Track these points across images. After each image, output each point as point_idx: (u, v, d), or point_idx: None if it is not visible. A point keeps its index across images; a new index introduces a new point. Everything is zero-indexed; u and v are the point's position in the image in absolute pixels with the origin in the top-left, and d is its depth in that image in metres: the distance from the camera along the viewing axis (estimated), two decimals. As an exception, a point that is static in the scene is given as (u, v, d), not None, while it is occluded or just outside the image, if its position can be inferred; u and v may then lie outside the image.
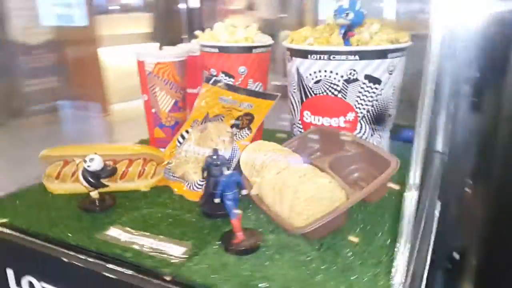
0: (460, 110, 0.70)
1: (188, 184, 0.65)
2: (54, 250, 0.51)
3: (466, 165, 0.78)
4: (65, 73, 3.12)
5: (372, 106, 0.65)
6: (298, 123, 0.71)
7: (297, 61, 0.67)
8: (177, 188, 0.65)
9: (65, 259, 0.49)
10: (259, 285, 0.42)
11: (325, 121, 0.67)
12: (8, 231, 0.55)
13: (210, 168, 0.54)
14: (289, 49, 0.69)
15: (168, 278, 0.44)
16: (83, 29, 2.94)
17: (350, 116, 0.66)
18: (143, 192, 0.64)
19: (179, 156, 0.70)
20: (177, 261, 0.47)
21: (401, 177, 0.62)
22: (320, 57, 0.63)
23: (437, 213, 0.61)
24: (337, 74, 0.63)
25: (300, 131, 0.71)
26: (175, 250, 0.48)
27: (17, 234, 0.54)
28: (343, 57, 0.62)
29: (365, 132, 0.67)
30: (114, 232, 0.52)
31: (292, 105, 0.72)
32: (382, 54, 0.62)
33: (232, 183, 0.48)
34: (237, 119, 0.70)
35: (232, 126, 0.70)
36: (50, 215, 0.57)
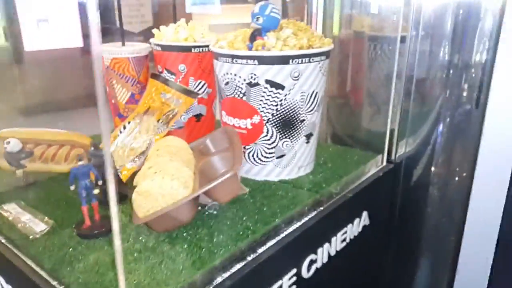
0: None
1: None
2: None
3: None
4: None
5: (277, 110, 0.65)
6: (221, 120, 0.73)
7: (214, 62, 0.69)
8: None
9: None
10: (67, 268, 0.48)
11: (236, 122, 0.69)
12: None
13: (93, 159, 0.60)
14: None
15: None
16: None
17: (256, 119, 0.66)
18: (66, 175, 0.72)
19: (114, 144, 0.77)
20: (33, 236, 0.54)
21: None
22: (225, 60, 0.65)
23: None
24: (240, 77, 0.65)
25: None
26: (39, 226, 0.55)
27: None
28: (244, 61, 0.63)
29: (272, 135, 0.67)
30: (10, 207, 0.61)
31: (218, 103, 0.74)
32: (282, 60, 0.62)
33: (83, 174, 0.53)
34: (164, 114, 0.75)
35: (158, 121, 0.75)
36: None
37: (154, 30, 0.85)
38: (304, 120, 0.67)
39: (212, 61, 0.71)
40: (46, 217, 0.58)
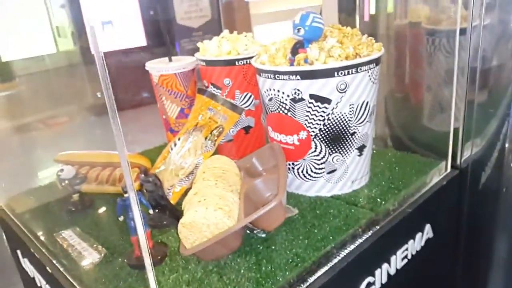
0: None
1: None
2: (31, 243, 0.66)
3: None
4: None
5: (324, 125, 0.62)
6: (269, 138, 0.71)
7: (257, 77, 0.67)
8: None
9: (31, 250, 0.63)
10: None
11: (282, 138, 0.66)
12: (18, 223, 0.72)
13: (145, 185, 0.61)
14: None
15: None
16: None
17: (303, 134, 0.64)
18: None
19: (167, 162, 0.78)
20: (86, 267, 0.56)
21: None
22: (267, 75, 0.63)
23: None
24: (283, 93, 0.62)
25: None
26: (92, 256, 0.57)
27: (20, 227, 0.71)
28: (286, 77, 0.60)
29: (321, 151, 0.64)
30: (66, 234, 0.64)
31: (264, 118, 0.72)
32: (326, 73, 0.59)
33: (128, 205, 0.53)
34: (211, 132, 0.75)
35: (206, 139, 0.74)
36: (41, 213, 0.72)
37: (199, 44, 0.84)
38: (355, 132, 0.63)
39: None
40: (100, 246, 0.59)
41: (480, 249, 0.83)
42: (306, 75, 0.59)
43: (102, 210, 0.71)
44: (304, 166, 0.66)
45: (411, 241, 0.66)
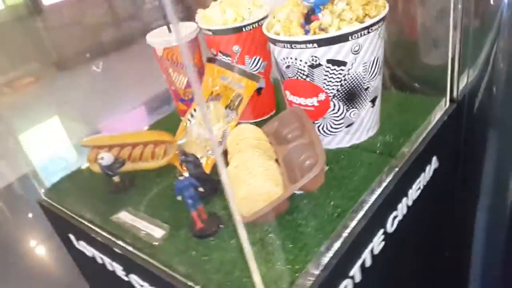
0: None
1: (191, 162, 0.79)
2: (88, 228, 0.72)
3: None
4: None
5: (341, 85, 0.68)
6: (285, 98, 0.77)
7: (271, 45, 0.71)
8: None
9: (93, 235, 0.70)
10: (198, 269, 0.57)
11: (302, 100, 0.72)
12: (65, 210, 0.78)
13: (185, 164, 0.67)
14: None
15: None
16: None
17: (321, 96, 0.69)
18: (158, 171, 0.80)
19: (189, 133, 0.83)
20: (156, 242, 0.63)
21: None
22: (284, 45, 0.67)
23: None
24: (301, 60, 0.66)
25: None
26: (157, 232, 0.64)
27: (69, 213, 0.76)
28: (303, 46, 0.64)
29: (339, 108, 0.70)
30: (123, 215, 0.70)
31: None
32: (341, 38, 0.63)
33: (186, 186, 0.60)
34: (231, 99, 0.79)
35: (226, 107, 0.79)
36: (87, 197, 0.78)
37: (199, 12, 0.85)
38: (368, 87, 0.70)
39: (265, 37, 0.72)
40: (160, 222, 0.66)
41: (475, 174, 0.94)
42: (323, 42, 0.63)
43: (145, 187, 0.76)
44: (324, 124, 0.73)
45: (422, 174, 0.75)
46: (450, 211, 0.97)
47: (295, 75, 0.69)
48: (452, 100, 0.84)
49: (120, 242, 0.66)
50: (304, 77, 0.68)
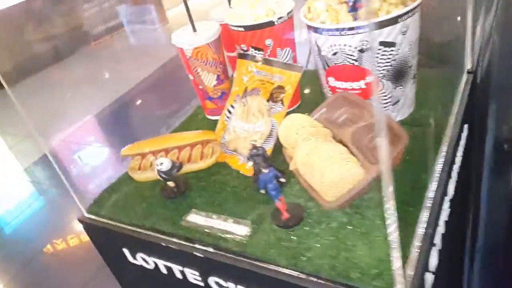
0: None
1: (241, 158, 0.79)
2: (153, 237, 0.70)
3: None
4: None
5: (391, 65, 0.71)
6: (326, 85, 0.79)
7: (314, 35, 0.73)
8: (232, 164, 0.80)
9: (163, 244, 0.68)
10: (302, 257, 0.58)
11: (348, 85, 0.74)
12: (118, 224, 0.75)
13: (254, 158, 0.67)
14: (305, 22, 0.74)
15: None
16: None
17: (370, 78, 0.72)
18: (207, 171, 0.79)
19: (230, 130, 0.83)
20: (243, 239, 0.63)
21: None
22: (332, 33, 0.69)
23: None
24: (350, 46, 0.69)
25: (330, 93, 0.79)
26: (240, 230, 0.64)
27: (124, 226, 0.74)
28: (354, 31, 0.67)
29: (387, 88, 0.74)
30: (193, 218, 0.69)
31: (318, 69, 0.79)
32: (392, 21, 0.66)
33: (270, 178, 0.61)
34: (272, 92, 0.80)
35: (268, 100, 0.80)
36: (142, 206, 0.76)
37: (230, 10, 0.85)
38: (411, 65, 0.74)
39: (307, 32, 0.74)
40: (239, 219, 0.66)
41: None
42: (374, 26, 0.66)
43: (201, 188, 0.76)
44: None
45: (460, 142, 0.80)
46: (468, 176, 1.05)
47: (343, 61, 0.71)
48: (469, 71, 0.90)
49: (198, 246, 0.66)
50: (353, 61, 0.71)
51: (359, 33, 0.67)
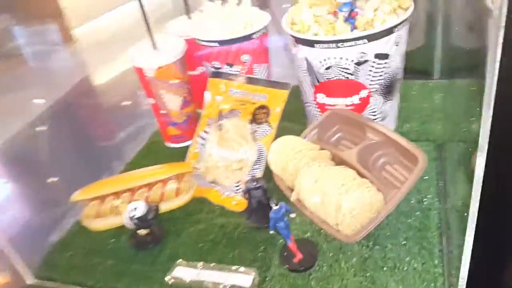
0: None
1: (223, 190, 0.69)
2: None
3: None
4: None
5: (383, 79, 0.66)
6: (312, 102, 0.72)
7: (304, 49, 0.65)
8: (214, 198, 0.69)
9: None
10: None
11: (340, 101, 0.68)
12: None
13: (251, 192, 0.57)
14: (293, 35, 0.66)
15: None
16: None
17: (364, 93, 0.67)
18: (184, 209, 0.67)
19: (206, 158, 0.72)
20: (251, 289, 0.52)
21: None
22: (328, 45, 0.62)
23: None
24: (347, 59, 0.63)
25: (316, 110, 0.72)
26: (244, 281, 0.53)
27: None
28: (352, 43, 0.61)
29: (378, 102, 0.68)
30: (179, 272, 0.56)
31: (303, 85, 0.72)
32: (388, 32, 0.61)
33: (282, 215, 0.51)
34: (254, 113, 0.71)
35: (250, 123, 0.71)
36: (109, 263, 0.61)
37: (200, 24, 0.75)
38: (400, 78, 0.69)
39: (292, 47, 0.67)
40: (236, 266, 0.56)
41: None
42: (372, 37, 0.61)
43: (179, 232, 0.64)
44: (363, 121, 0.70)
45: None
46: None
47: (337, 75, 0.65)
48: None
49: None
50: (348, 75, 0.65)
51: (357, 45, 0.61)
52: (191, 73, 0.87)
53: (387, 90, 0.68)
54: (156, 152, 0.85)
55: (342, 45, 0.61)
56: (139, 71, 0.74)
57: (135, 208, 0.58)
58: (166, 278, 0.56)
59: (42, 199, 0.73)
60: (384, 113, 0.70)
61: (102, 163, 0.86)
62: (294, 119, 0.75)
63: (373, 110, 0.69)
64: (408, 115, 0.78)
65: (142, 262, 0.60)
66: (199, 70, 0.85)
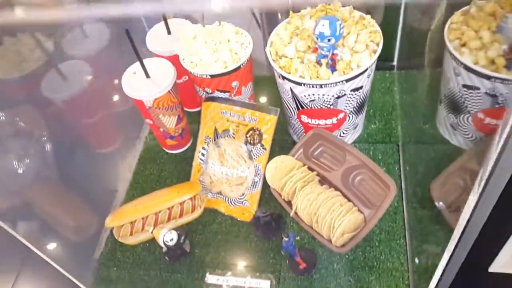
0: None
1: (229, 200, 0.83)
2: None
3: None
4: None
5: (357, 103, 0.79)
6: (296, 120, 0.84)
7: (290, 84, 0.75)
8: (223, 208, 0.83)
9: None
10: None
11: (321, 122, 0.81)
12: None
13: (260, 217, 0.73)
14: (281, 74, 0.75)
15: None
16: None
17: (341, 115, 0.80)
18: (200, 221, 0.82)
19: (209, 175, 0.85)
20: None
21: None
22: (312, 86, 0.73)
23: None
24: (328, 95, 0.74)
25: (299, 127, 0.85)
26: (264, 284, 0.71)
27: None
28: (333, 84, 0.72)
29: (352, 119, 0.82)
30: (211, 279, 0.73)
31: (287, 106, 0.83)
32: (364, 71, 0.73)
33: (291, 243, 0.68)
34: (246, 135, 0.83)
35: (246, 143, 0.83)
36: (152, 274, 0.77)
37: (192, 60, 0.81)
38: (368, 96, 0.83)
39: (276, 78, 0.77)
40: (257, 273, 0.73)
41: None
42: (350, 79, 0.72)
43: (205, 242, 0.79)
44: (339, 133, 0.84)
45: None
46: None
47: (320, 106, 0.77)
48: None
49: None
50: (329, 105, 0.77)
51: (337, 85, 0.72)
52: (178, 81, 0.94)
53: (359, 109, 0.81)
54: (155, 159, 0.95)
55: (325, 86, 0.72)
56: (139, 102, 0.81)
57: (171, 239, 0.71)
58: (203, 285, 0.73)
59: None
60: (355, 124, 0.85)
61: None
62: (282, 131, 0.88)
63: (348, 125, 0.83)
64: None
65: (179, 272, 0.76)
66: (183, 79, 0.93)
